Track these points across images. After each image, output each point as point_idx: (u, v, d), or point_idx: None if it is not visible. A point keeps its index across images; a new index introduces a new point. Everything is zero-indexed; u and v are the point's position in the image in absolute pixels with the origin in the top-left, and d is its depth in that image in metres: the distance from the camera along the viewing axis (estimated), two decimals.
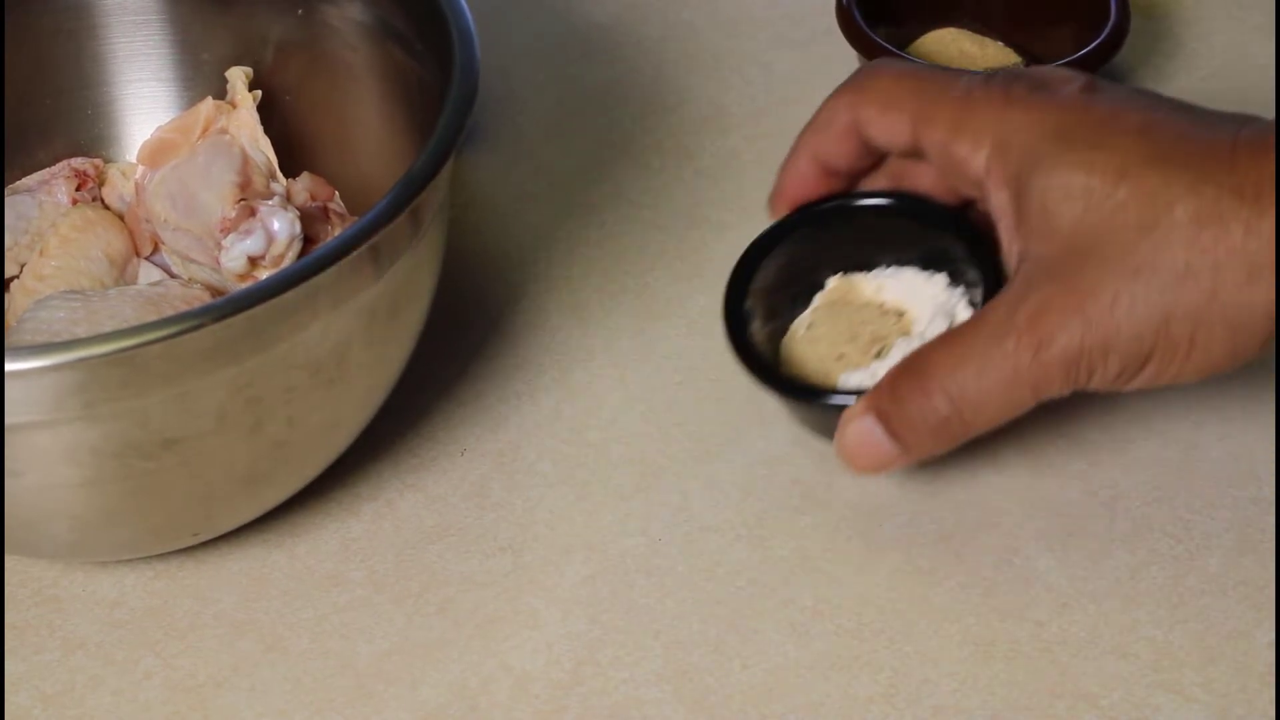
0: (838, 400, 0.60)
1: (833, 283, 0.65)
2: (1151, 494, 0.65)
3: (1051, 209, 0.55)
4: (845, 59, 0.79)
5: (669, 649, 0.60)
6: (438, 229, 0.62)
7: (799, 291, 0.65)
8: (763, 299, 0.64)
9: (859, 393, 0.60)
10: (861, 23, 0.77)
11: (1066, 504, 0.64)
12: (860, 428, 0.58)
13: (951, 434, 0.57)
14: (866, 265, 0.65)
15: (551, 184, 0.78)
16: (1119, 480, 0.65)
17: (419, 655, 0.61)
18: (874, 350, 0.63)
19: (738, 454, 0.67)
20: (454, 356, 0.70)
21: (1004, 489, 0.65)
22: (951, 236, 0.62)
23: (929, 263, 0.64)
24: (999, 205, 0.58)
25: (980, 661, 0.60)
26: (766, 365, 0.63)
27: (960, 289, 0.63)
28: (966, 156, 0.58)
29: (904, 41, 0.80)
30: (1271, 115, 0.56)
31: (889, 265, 0.65)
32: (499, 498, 0.66)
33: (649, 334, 0.71)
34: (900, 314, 0.64)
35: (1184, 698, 0.58)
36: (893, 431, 0.58)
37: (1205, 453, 0.66)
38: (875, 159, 0.63)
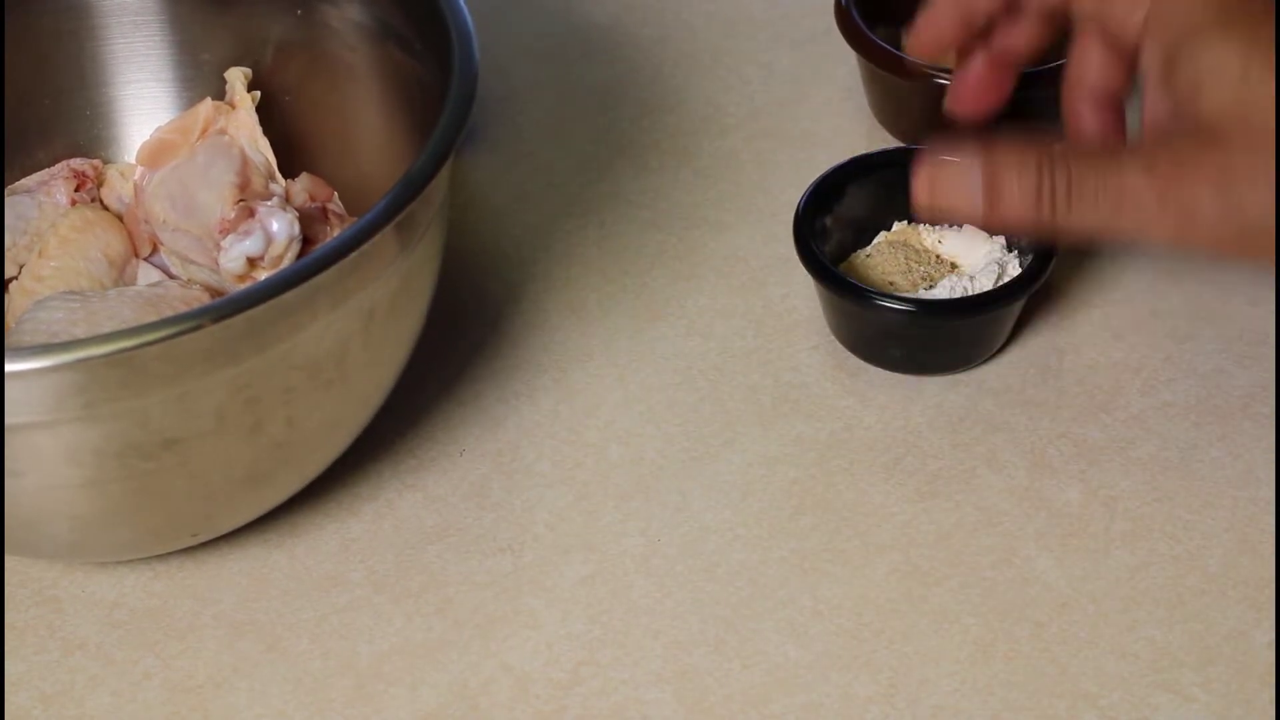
0: (883, 302, 0.66)
1: (898, 226, 0.71)
2: (1151, 494, 0.65)
3: (1203, 84, 0.55)
4: (844, 59, 0.79)
5: (668, 649, 0.60)
6: (437, 229, 0.62)
7: (864, 229, 0.71)
8: (834, 225, 0.70)
9: (904, 299, 0.66)
10: (860, 23, 0.77)
11: (1066, 504, 0.64)
12: (957, 167, 0.58)
13: (1043, 207, 0.57)
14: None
15: (550, 184, 0.78)
16: (1118, 480, 0.65)
17: (419, 655, 0.61)
18: (922, 286, 0.69)
19: (737, 454, 0.67)
20: (453, 357, 0.70)
21: (1003, 489, 0.65)
22: None
23: None
24: (1149, 62, 0.58)
25: (980, 662, 0.60)
26: (824, 265, 0.67)
27: (1015, 253, 0.69)
28: (1124, 15, 0.58)
29: (903, 41, 0.80)
30: None
31: (953, 223, 0.71)
32: (498, 498, 0.66)
33: (648, 334, 0.71)
34: (954, 265, 0.70)
35: (1183, 698, 0.58)
36: (991, 175, 0.57)
37: (1204, 453, 0.66)
38: (1013, 8, 0.64)
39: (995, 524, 0.64)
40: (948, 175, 0.58)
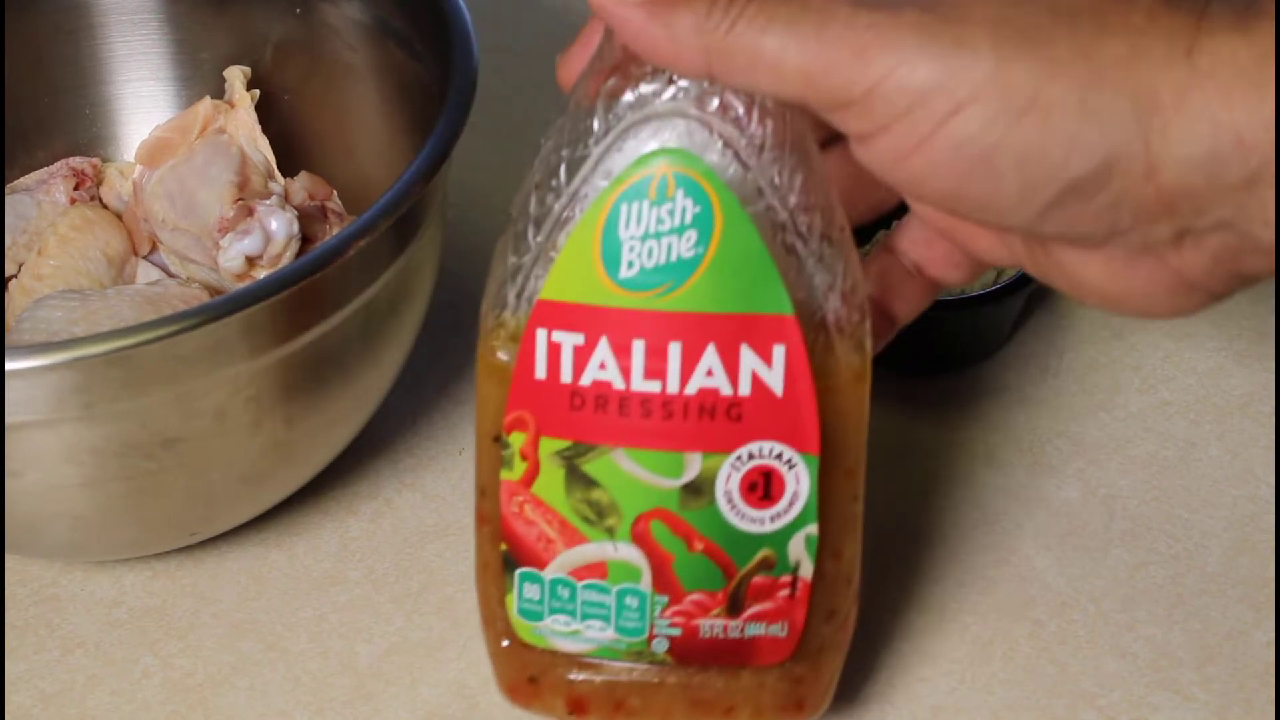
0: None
1: (897, 225, 0.70)
2: (1149, 493, 0.65)
3: None
4: None
5: None
6: (435, 228, 0.62)
7: (862, 228, 0.71)
8: None
9: None
10: None
11: (1064, 503, 0.64)
12: None
13: (709, 29, 0.44)
14: None
15: None
16: (1117, 479, 0.65)
17: (418, 654, 0.61)
18: None
19: None
20: (451, 356, 0.70)
21: (1002, 488, 0.65)
22: None
23: None
24: None
25: (979, 660, 0.60)
26: None
27: None
28: None
29: None
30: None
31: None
32: None
33: None
34: None
35: (1182, 696, 0.58)
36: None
37: (1203, 451, 0.66)
38: None
39: (994, 522, 0.64)
40: None
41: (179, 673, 0.61)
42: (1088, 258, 0.45)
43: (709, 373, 0.48)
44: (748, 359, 0.48)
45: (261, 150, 0.69)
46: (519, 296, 0.49)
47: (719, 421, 0.49)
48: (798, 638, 0.52)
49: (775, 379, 0.48)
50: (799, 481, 0.50)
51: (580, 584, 0.51)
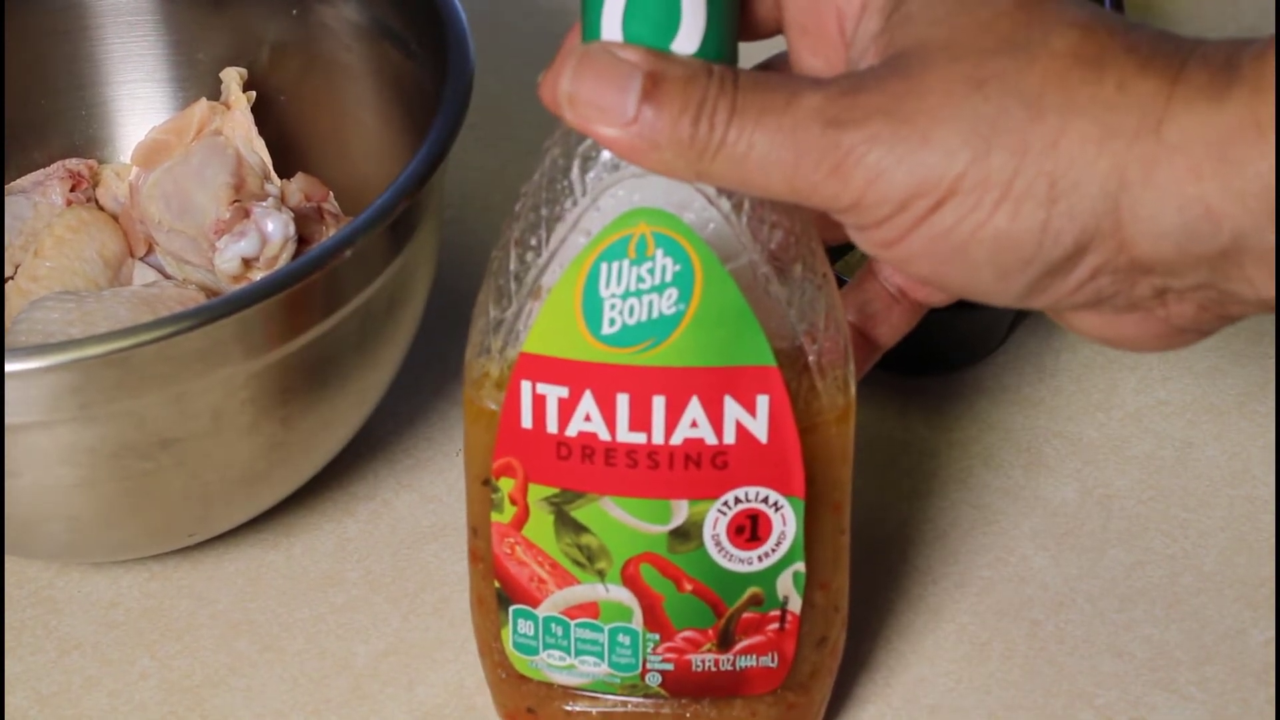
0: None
1: None
2: (1147, 493, 0.65)
3: (917, 16, 0.44)
4: None
5: None
6: (432, 230, 0.61)
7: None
8: None
9: None
10: None
11: (1062, 503, 0.64)
12: (617, 64, 0.44)
13: (701, 124, 0.43)
14: None
15: None
16: (1114, 479, 0.65)
17: (415, 655, 0.61)
18: None
19: None
20: (448, 356, 0.70)
21: (999, 488, 0.65)
22: None
23: None
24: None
25: (976, 660, 0.60)
26: None
27: None
28: None
29: None
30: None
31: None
32: None
33: None
34: None
35: (1180, 696, 0.58)
36: (652, 99, 0.43)
37: (1200, 451, 0.66)
38: None
39: (991, 522, 0.64)
40: (601, 62, 0.44)
41: (176, 674, 0.61)
42: (1077, 315, 0.46)
43: (693, 424, 0.48)
44: (731, 409, 0.48)
45: (258, 152, 0.69)
46: (502, 350, 0.49)
47: (705, 470, 0.49)
48: (788, 667, 0.53)
49: (759, 427, 0.48)
50: (785, 522, 0.50)
51: (573, 622, 0.52)
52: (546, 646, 0.52)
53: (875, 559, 0.63)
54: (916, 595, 0.62)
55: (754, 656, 0.52)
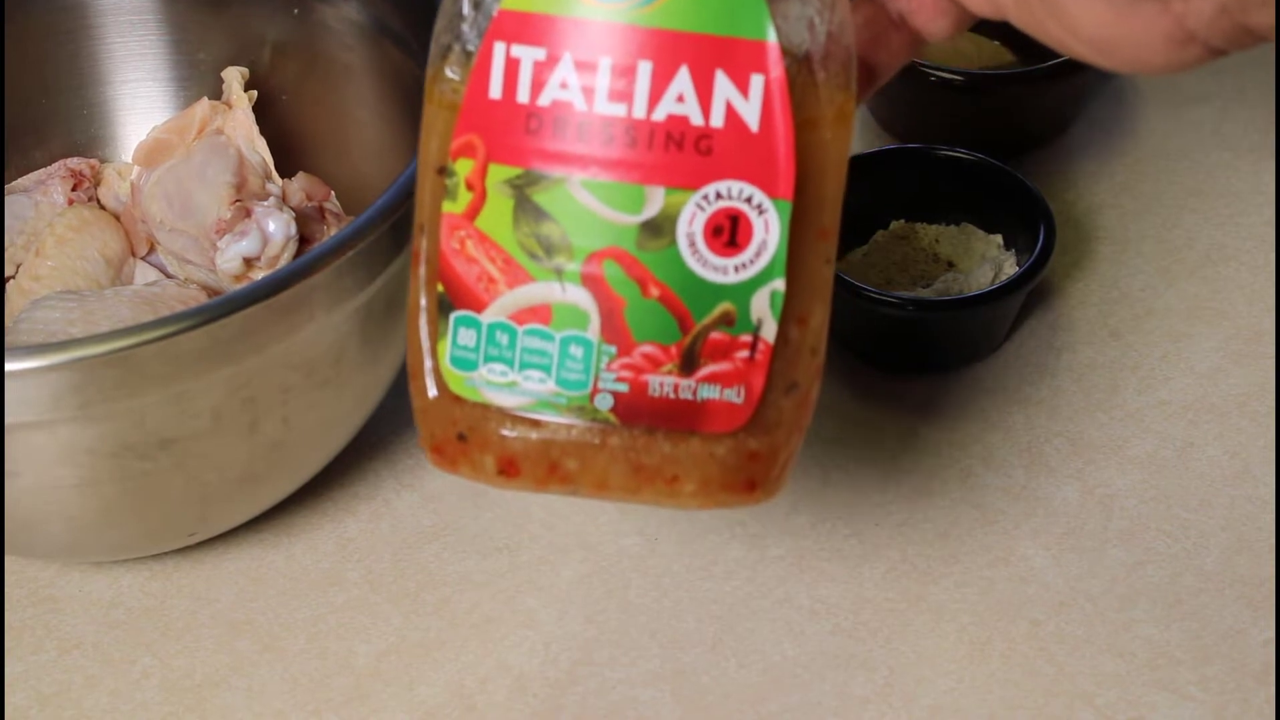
0: (880, 300, 0.66)
1: (895, 225, 0.72)
2: (1148, 492, 0.65)
3: None
4: None
5: (665, 648, 0.60)
6: None
7: (861, 228, 0.72)
8: None
9: (901, 298, 0.66)
10: None
11: (1063, 503, 0.64)
12: None
13: None
14: (930, 216, 0.72)
15: None
16: (1115, 479, 0.65)
17: (416, 655, 0.61)
18: (919, 285, 0.70)
19: None
20: None
21: (1000, 487, 0.65)
22: (1016, 200, 0.70)
23: (990, 223, 0.71)
24: None
25: (976, 660, 0.60)
26: None
27: (1012, 251, 0.70)
28: None
29: None
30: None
31: (951, 222, 0.72)
32: (495, 497, 0.65)
33: None
34: (950, 264, 0.71)
35: (1180, 696, 0.58)
36: None
37: (1201, 451, 0.66)
38: None
39: (992, 522, 0.64)
40: None
41: (177, 673, 0.61)
42: None
43: (679, 98, 0.44)
44: (723, 87, 0.44)
45: (259, 151, 0.69)
46: (477, 7, 0.46)
47: (686, 154, 0.45)
48: (754, 406, 0.47)
49: (751, 112, 0.44)
50: (768, 229, 0.45)
51: (521, 329, 0.46)
52: (488, 359, 0.47)
53: (875, 558, 0.63)
54: (917, 595, 0.62)
55: (718, 387, 0.47)
